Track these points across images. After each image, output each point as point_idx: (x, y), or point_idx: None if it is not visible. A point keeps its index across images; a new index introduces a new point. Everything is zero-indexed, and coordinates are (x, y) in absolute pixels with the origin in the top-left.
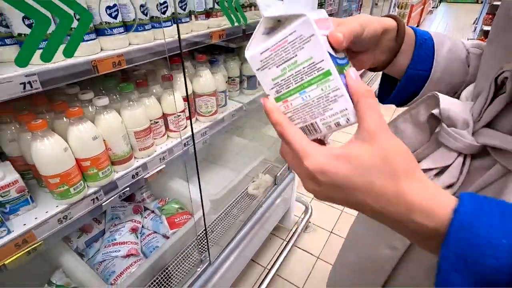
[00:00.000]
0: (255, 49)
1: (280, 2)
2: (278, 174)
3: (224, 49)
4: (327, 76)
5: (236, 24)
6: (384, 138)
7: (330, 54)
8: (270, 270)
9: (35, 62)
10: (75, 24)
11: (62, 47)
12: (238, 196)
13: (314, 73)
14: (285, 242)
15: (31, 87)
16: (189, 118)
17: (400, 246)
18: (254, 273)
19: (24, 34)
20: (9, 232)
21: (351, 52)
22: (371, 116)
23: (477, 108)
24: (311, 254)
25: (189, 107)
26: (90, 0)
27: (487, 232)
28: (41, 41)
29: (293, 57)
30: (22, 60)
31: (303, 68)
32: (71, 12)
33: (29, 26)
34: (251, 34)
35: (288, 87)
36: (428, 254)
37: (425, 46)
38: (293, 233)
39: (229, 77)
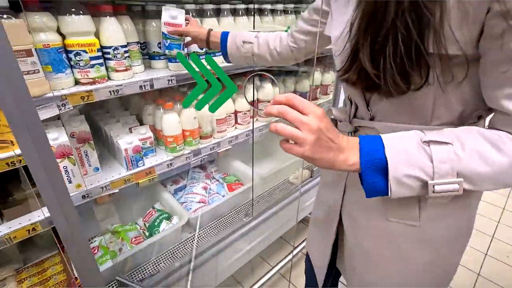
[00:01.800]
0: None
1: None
2: (314, 169)
3: (284, 71)
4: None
5: None
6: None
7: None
8: (297, 246)
9: (172, 69)
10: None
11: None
12: (281, 182)
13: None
14: None
15: (171, 82)
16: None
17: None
18: (284, 250)
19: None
20: (143, 164)
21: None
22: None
23: (348, 111)
24: None
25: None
26: None
27: (375, 152)
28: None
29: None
30: (186, 103)
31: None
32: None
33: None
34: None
35: None
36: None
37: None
38: None
39: (284, 91)
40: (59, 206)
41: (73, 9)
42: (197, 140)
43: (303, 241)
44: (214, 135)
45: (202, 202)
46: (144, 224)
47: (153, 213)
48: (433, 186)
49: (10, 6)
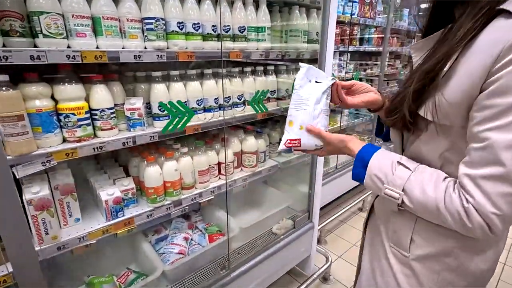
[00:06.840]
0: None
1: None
2: (297, 220)
3: (270, 123)
4: None
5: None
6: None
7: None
8: None
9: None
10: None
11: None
12: (264, 232)
13: None
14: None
15: (154, 139)
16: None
17: None
18: None
19: None
20: (123, 215)
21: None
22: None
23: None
24: None
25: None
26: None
27: (366, 155)
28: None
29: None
30: (164, 130)
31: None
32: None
33: None
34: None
35: None
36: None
37: None
38: (310, 276)
39: (270, 142)
40: (22, 262)
41: (67, 79)
42: (178, 191)
43: None
44: (196, 186)
45: (181, 253)
46: (119, 285)
47: (129, 273)
48: (385, 188)
49: (11, 80)
